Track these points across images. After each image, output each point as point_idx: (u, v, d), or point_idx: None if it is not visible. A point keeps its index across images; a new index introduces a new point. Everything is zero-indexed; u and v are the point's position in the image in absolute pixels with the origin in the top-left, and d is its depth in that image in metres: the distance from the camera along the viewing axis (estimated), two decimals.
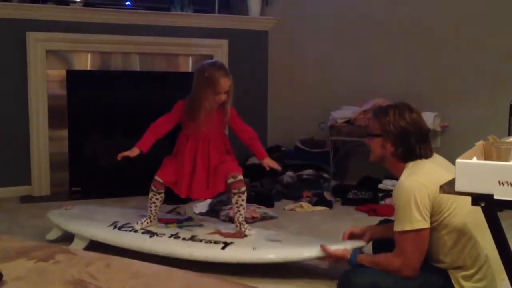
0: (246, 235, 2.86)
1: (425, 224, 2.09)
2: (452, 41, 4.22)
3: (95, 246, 2.84)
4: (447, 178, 1.72)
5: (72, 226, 3.00)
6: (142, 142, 2.88)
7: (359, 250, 2.46)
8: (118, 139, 4.58)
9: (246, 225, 2.93)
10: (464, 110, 4.19)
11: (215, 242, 2.76)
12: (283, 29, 4.88)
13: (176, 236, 2.85)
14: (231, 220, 3.50)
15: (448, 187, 1.43)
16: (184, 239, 2.81)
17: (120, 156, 2.83)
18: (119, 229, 2.93)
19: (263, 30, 4.91)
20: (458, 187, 1.35)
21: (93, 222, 3.02)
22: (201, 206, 3.81)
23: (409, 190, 2.09)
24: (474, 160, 1.39)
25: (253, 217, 3.57)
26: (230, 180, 2.88)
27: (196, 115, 2.84)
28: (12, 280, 1.31)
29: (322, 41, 4.75)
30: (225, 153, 2.97)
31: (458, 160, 1.37)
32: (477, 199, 1.35)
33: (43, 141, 4.21)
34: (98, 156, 4.60)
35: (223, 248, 2.70)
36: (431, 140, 2.31)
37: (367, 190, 4.15)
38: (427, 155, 2.22)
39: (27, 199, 4.11)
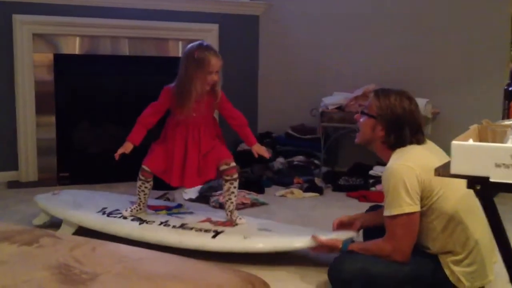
0: (237, 224, 2.83)
1: (415, 208, 2.08)
2: (444, 27, 4.19)
3: (83, 233, 2.79)
4: (436, 162, 1.69)
5: (59, 212, 2.95)
6: (133, 136, 2.83)
7: (350, 240, 2.44)
8: (106, 124, 4.52)
9: (237, 214, 2.89)
10: (456, 97, 4.18)
11: (206, 231, 2.73)
12: (274, 14, 4.82)
13: (166, 223, 2.81)
14: (221, 206, 3.47)
15: (443, 170, 1.40)
16: (174, 227, 2.78)
17: (116, 155, 2.79)
18: (108, 215, 2.89)
19: (253, 14, 4.85)
20: (453, 169, 1.32)
21: (81, 208, 2.97)
22: (191, 192, 3.77)
23: (398, 174, 2.07)
24: (470, 142, 1.35)
25: (243, 203, 3.54)
26: (222, 167, 2.84)
27: (186, 100, 2.76)
28: None
29: (313, 27, 4.70)
30: (215, 137, 2.92)
31: (454, 142, 1.34)
32: (473, 182, 1.32)
33: (30, 126, 4.15)
34: (86, 141, 4.55)
35: (213, 236, 2.67)
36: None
37: (358, 176, 4.14)
38: (418, 143, 2.20)
39: (14, 184, 4.05)
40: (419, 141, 2.20)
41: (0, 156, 4.12)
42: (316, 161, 4.40)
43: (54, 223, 2.96)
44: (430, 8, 4.22)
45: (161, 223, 2.82)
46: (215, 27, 4.62)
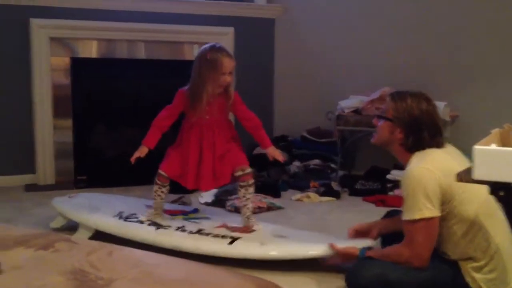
0: (253, 230, 2.81)
1: (435, 212, 2.04)
2: (462, 25, 4.13)
3: (99, 237, 2.80)
4: (457, 166, 1.66)
5: (76, 215, 2.95)
6: (149, 139, 2.83)
7: (367, 248, 2.40)
8: (123, 127, 4.53)
9: (253, 219, 2.87)
10: (475, 99, 4.11)
11: (223, 237, 2.71)
12: (290, 17, 4.81)
13: (182, 229, 2.80)
14: (236, 210, 3.45)
15: (465, 175, 1.36)
16: (190, 232, 2.77)
17: (132, 159, 2.79)
18: (125, 219, 2.89)
19: (269, 18, 4.84)
20: (476, 175, 1.29)
21: (98, 212, 2.97)
22: (207, 196, 3.76)
23: (418, 177, 2.04)
24: (493, 146, 1.32)
25: (259, 207, 3.52)
26: (238, 173, 2.82)
27: (198, 102, 2.75)
28: (10, 269, 1.27)
29: (329, 29, 4.67)
30: (230, 140, 2.90)
31: (476, 147, 1.30)
32: (496, 188, 1.28)
33: (48, 129, 4.16)
34: (103, 144, 4.55)
35: (230, 243, 2.65)
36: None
37: (375, 180, 4.09)
38: (438, 146, 2.16)
39: (31, 187, 4.07)
40: (439, 144, 2.17)
41: (17, 159, 4.15)
42: (333, 165, 4.37)
43: (71, 227, 2.97)
44: (447, 6, 4.16)
45: (178, 228, 2.81)
46: (230, 30, 4.60)
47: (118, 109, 4.52)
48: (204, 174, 2.84)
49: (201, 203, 3.68)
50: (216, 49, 2.78)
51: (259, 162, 4.09)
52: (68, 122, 4.25)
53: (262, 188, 3.82)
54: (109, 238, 2.72)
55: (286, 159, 3.01)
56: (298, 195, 3.94)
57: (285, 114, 4.89)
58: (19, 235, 1.48)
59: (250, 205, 2.85)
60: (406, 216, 2.08)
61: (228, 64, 2.75)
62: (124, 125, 4.52)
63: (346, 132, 4.35)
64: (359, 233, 2.55)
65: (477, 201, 2.03)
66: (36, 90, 4.10)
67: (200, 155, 2.84)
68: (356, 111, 4.22)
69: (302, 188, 4.05)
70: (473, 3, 4.07)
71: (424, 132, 2.15)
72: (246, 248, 2.63)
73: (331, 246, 2.47)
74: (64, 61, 4.20)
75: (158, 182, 2.87)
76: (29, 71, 4.08)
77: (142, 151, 2.81)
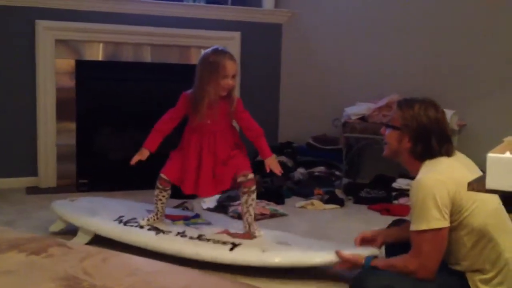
0: (255, 236, 2.76)
1: (444, 223, 1.98)
2: (472, 38, 4.08)
3: (99, 241, 2.76)
4: (468, 176, 1.60)
5: (76, 219, 2.91)
6: (150, 142, 2.79)
7: (373, 256, 2.35)
8: (127, 131, 4.50)
9: (255, 226, 2.81)
10: (483, 108, 4.05)
11: (223, 243, 2.67)
12: (297, 23, 4.77)
13: (183, 234, 2.76)
14: (239, 216, 3.40)
15: (478, 185, 1.31)
16: (191, 238, 2.72)
17: (132, 161, 2.76)
18: (125, 224, 2.85)
19: (277, 23, 4.80)
20: (489, 184, 1.23)
21: (98, 216, 2.93)
22: (209, 201, 3.71)
23: (428, 187, 1.98)
24: (508, 154, 1.26)
25: (262, 214, 3.47)
26: (240, 179, 2.76)
27: (199, 105, 2.71)
28: (1, 274, 1.22)
29: (337, 36, 4.63)
30: (234, 146, 2.85)
31: (490, 155, 1.25)
32: (509, 197, 1.23)
33: (51, 132, 4.14)
34: (106, 148, 4.53)
35: (231, 249, 2.61)
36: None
37: (380, 189, 4.04)
38: (448, 154, 2.11)
39: (33, 190, 4.04)
40: (448, 151, 2.11)
41: (20, 161, 4.11)
42: (337, 172, 4.32)
43: (71, 230, 2.93)
44: (456, 14, 4.12)
45: (178, 233, 2.76)
46: (237, 35, 4.57)
47: (123, 112, 4.49)
48: (203, 179, 2.79)
49: (203, 209, 3.63)
50: (219, 52, 2.74)
51: (263, 168, 4.04)
52: (72, 125, 4.22)
53: (265, 194, 3.78)
54: (108, 243, 2.70)
55: (282, 172, 2.91)
56: (302, 202, 3.88)
57: (290, 120, 4.84)
58: (13, 239, 1.43)
59: (252, 212, 2.80)
60: (414, 226, 2.02)
61: (231, 67, 2.70)
62: (128, 129, 4.49)
63: (352, 139, 4.30)
64: (364, 241, 2.49)
65: (488, 212, 1.99)
66: (40, 92, 4.08)
67: (199, 160, 2.79)
68: (363, 118, 4.18)
69: (306, 195, 4.00)
70: (482, 13, 4.02)
71: (432, 139, 2.09)
72: (247, 254, 2.57)
73: (337, 253, 2.42)
74: (69, 63, 4.18)
75: (159, 186, 2.83)
76: (33, 72, 4.05)
77: (142, 154, 2.77)
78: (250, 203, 2.79)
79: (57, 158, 4.17)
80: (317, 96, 4.72)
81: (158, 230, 2.78)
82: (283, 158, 4.46)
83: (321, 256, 2.50)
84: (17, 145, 4.09)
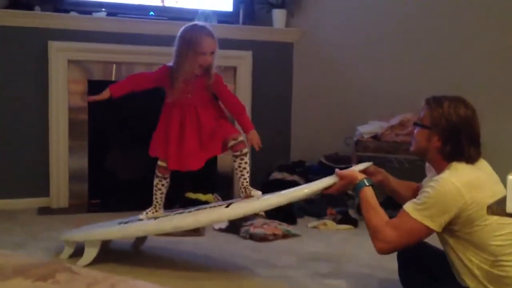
0: (252, 196, 2.73)
1: (436, 227, 1.99)
2: (486, 54, 4.03)
3: (106, 264, 2.74)
4: (492, 190, 1.56)
5: (79, 235, 2.95)
6: (117, 87, 2.79)
7: (369, 181, 2.28)
8: (138, 151, 4.48)
9: (251, 188, 2.78)
10: (500, 124, 3.98)
11: (219, 206, 2.77)
12: (308, 41, 4.76)
13: (181, 213, 2.84)
14: (251, 237, 3.38)
15: (497, 208, 1.27)
16: (189, 212, 2.80)
17: (90, 98, 2.80)
18: (126, 223, 2.90)
19: (288, 41, 4.80)
20: (509, 208, 1.19)
21: (101, 226, 3.00)
22: (221, 222, 3.68)
23: (444, 193, 1.96)
24: None
25: (274, 234, 3.43)
26: (231, 143, 2.74)
27: (176, 80, 2.70)
28: None
29: (348, 54, 4.61)
30: (218, 118, 2.81)
31: (510, 177, 1.21)
32: None
33: (63, 152, 4.14)
34: (118, 168, 4.52)
35: (227, 206, 2.68)
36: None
37: (393, 208, 3.96)
38: (475, 158, 2.07)
39: (44, 211, 4.03)
40: (476, 153, 2.08)
41: (31, 182, 4.12)
42: (350, 192, 4.26)
43: (80, 253, 2.90)
44: (473, 33, 4.07)
45: (176, 213, 2.85)
46: (248, 54, 4.57)
47: (134, 133, 4.49)
48: (188, 150, 2.75)
49: (215, 229, 3.60)
50: (197, 28, 2.75)
51: (275, 188, 4.00)
52: (84, 145, 4.22)
53: (277, 214, 3.74)
54: (117, 267, 2.72)
55: (261, 147, 2.85)
56: (314, 222, 3.84)
57: (302, 139, 4.81)
58: (19, 264, 1.41)
59: (247, 175, 2.77)
60: (410, 208, 2.03)
61: (208, 44, 2.68)
62: (140, 149, 4.47)
63: (364, 158, 4.25)
64: (364, 171, 2.43)
65: (499, 232, 1.96)
66: (52, 112, 4.09)
67: (181, 134, 2.75)
68: (375, 137, 4.13)
69: (319, 215, 3.95)
70: (496, 27, 3.98)
71: (462, 139, 2.06)
72: (243, 206, 2.65)
73: (335, 172, 2.40)
74: (81, 83, 4.19)
75: (159, 174, 2.85)
76: (46, 93, 4.07)
77: (103, 95, 2.77)
78: (244, 166, 2.76)
79: (69, 178, 4.17)
80: (329, 114, 4.69)
81: (157, 218, 2.84)
82: (295, 177, 4.42)
83: (313, 185, 2.57)
84: (29, 166, 4.10)
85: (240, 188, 2.79)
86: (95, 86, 4.22)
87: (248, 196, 2.74)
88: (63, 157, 4.14)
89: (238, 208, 2.65)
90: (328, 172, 4.42)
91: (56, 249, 3.03)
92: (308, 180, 4.40)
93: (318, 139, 4.69)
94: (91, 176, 4.26)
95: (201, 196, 3.99)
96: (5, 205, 3.99)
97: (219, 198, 3.80)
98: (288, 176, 4.45)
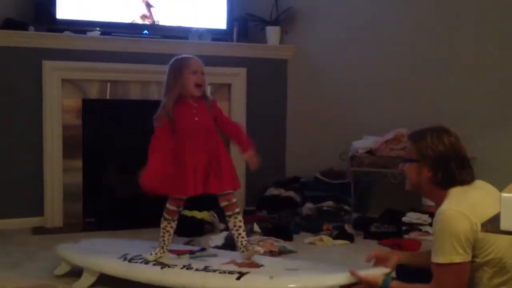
0: (261, 265, 2.69)
1: (465, 258, 1.94)
2: (480, 69, 4.06)
3: (104, 280, 2.72)
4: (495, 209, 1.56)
5: (80, 260, 2.87)
6: (151, 178, 2.78)
7: (390, 278, 2.28)
8: (133, 169, 4.47)
9: (251, 246, 2.78)
10: (494, 141, 3.99)
11: (230, 272, 2.61)
12: (302, 58, 4.79)
13: (188, 267, 2.71)
14: None
15: (492, 225, 1.26)
16: (197, 270, 2.67)
17: None
18: (130, 261, 2.80)
19: (282, 58, 4.83)
20: (504, 225, 1.18)
21: (102, 255, 2.90)
22: (217, 239, 3.66)
23: (450, 221, 1.94)
24: None
25: (271, 251, 3.41)
26: (224, 203, 2.76)
27: (168, 100, 2.73)
28: None
29: (343, 70, 4.64)
30: (220, 145, 2.81)
31: (504, 195, 1.21)
32: None
33: (57, 171, 4.13)
34: (113, 187, 4.50)
35: (238, 278, 2.55)
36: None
37: (390, 223, 3.97)
38: (468, 181, 2.07)
39: (39, 230, 4.00)
40: (468, 176, 2.07)
41: (26, 201, 4.09)
42: (346, 207, 4.26)
43: (76, 272, 2.87)
44: (467, 47, 4.10)
45: (184, 266, 2.72)
46: (243, 71, 4.60)
47: (129, 151, 4.47)
48: (207, 176, 2.73)
49: (211, 247, 3.57)
50: (182, 56, 2.85)
51: (271, 204, 4.01)
52: (78, 164, 4.22)
53: (273, 230, 3.73)
54: (114, 281, 2.67)
55: (258, 166, 2.84)
56: (311, 238, 3.82)
57: (297, 155, 4.82)
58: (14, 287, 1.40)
59: (244, 233, 2.77)
60: (435, 258, 1.99)
61: (197, 63, 2.79)
62: (135, 167, 4.46)
63: (360, 173, 4.26)
64: (379, 259, 2.42)
65: (508, 246, 1.94)
66: (46, 131, 4.09)
67: (195, 159, 2.73)
68: (370, 152, 4.14)
69: (315, 230, 3.94)
70: (492, 43, 4.01)
71: (452, 165, 2.05)
72: (255, 282, 2.53)
73: (352, 273, 2.34)
74: (75, 102, 4.19)
75: (168, 217, 2.82)
76: (40, 112, 4.07)
77: None
78: (239, 225, 2.77)
79: (63, 197, 4.15)
80: (324, 130, 4.71)
81: (163, 265, 2.75)
82: (291, 193, 4.42)
83: (333, 278, 2.42)
84: (23, 185, 4.08)
85: (240, 248, 2.79)
86: (89, 105, 4.23)
87: (251, 255, 2.76)
88: (58, 176, 4.13)
89: (249, 283, 2.52)
90: (324, 187, 4.47)
91: (51, 271, 2.98)
92: (303, 196, 4.41)
93: (313, 154, 4.70)
94: (85, 194, 4.24)
95: (197, 214, 3.98)
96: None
97: (215, 215, 3.79)
98: (284, 192, 4.45)
